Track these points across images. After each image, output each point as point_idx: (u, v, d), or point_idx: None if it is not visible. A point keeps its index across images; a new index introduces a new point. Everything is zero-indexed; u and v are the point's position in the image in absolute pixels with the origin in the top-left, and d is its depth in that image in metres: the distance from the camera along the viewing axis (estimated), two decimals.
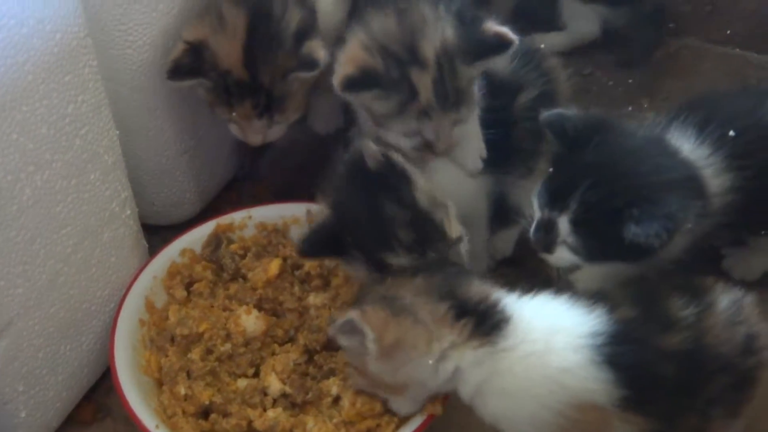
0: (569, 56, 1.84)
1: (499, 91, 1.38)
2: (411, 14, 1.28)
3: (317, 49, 1.37)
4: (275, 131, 1.46)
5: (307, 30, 1.39)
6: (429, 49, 1.26)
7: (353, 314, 1.12)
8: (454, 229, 1.26)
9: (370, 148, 1.24)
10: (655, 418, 1.11)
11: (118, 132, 1.30)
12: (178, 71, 1.37)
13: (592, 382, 1.09)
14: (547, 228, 1.24)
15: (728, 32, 1.94)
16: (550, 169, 1.27)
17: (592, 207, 1.19)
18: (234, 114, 1.42)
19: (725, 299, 1.16)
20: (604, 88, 1.85)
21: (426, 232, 1.23)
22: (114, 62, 1.37)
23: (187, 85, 1.40)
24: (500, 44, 1.27)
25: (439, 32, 1.27)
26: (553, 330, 1.12)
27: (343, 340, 1.16)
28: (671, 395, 1.11)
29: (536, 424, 1.11)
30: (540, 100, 1.42)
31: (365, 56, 1.27)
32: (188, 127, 1.50)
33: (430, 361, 1.11)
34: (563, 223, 1.22)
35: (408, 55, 1.26)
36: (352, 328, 1.12)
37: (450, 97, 1.27)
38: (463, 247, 1.26)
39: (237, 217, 1.47)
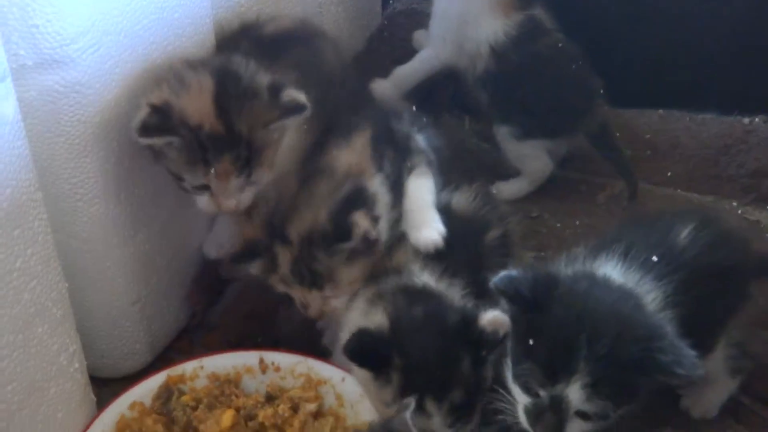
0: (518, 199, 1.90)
1: (466, 229, 1.41)
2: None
3: (297, 95, 1.37)
4: (247, 195, 1.41)
5: (280, 83, 1.38)
6: (294, 232, 1.36)
7: None
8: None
9: (501, 319, 1.24)
10: None
11: (67, 284, 1.28)
12: (147, 129, 1.32)
13: None
14: (554, 406, 1.13)
15: (669, 174, 1.99)
16: (529, 343, 1.15)
17: (606, 362, 1.11)
18: (212, 171, 1.36)
19: None
20: (553, 230, 1.88)
21: (471, 406, 1.23)
22: (64, 215, 1.36)
23: (159, 143, 1.34)
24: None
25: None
26: None
27: None
28: None
29: None
30: (503, 240, 1.45)
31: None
32: (139, 277, 1.49)
33: None
34: (574, 392, 1.12)
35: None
36: None
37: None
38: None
39: (188, 367, 1.44)
